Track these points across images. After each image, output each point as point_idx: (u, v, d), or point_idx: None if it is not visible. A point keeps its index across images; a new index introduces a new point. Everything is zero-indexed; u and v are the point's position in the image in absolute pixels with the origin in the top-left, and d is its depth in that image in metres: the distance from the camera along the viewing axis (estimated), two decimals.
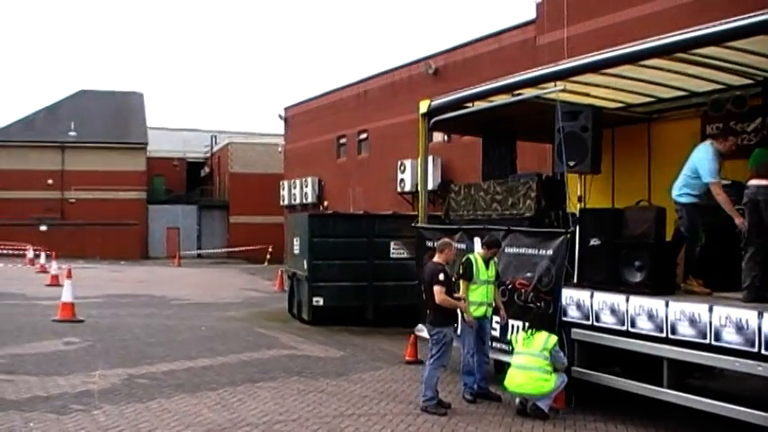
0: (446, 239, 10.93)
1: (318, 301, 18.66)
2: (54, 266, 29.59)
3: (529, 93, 11.81)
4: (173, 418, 9.17)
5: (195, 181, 66.84)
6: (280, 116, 49.50)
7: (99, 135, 57.76)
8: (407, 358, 13.74)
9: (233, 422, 9.11)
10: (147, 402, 9.88)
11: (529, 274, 10.86)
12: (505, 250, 11.30)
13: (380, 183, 34.60)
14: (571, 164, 11.04)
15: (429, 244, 13.03)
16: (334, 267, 18.74)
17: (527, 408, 9.83)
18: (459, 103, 13.27)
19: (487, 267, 10.75)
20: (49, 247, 40.54)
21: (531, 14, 25.00)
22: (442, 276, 10.12)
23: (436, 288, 10.05)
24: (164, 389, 10.71)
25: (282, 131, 50.41)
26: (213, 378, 11.67)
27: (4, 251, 43.45)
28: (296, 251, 20.30)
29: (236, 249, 54.43)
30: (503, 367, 10.83)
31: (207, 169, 67.50)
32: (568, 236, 10.36)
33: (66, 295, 17.90)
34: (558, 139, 11.08)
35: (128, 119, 60.86)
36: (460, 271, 10.83)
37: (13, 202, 54.19)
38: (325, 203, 40.83)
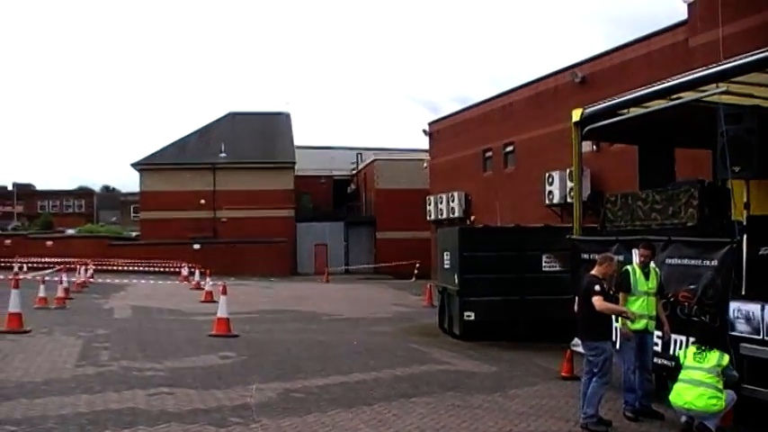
0: (608, 254, 10.59)
1: (470, 315, 18.44)
2: (208, 283, 30.43)
3: (688, 96, 11.29)
4: None
5: (342, 198, 67.63)
6: (424, 131, 49.57)
7: (248, 156, 59.41)
8: (563, 374, 13.37)
9: None
10: (303, 416, 9.89)
11: (692, 286, 10.36)
12: (666, 261, 10.83)
13: (527, 195, 34.04)
14: (736, 169, 10.40)
15: (584, 256, 12.65)
16: (485, 281, 18.47)
17: (693, 426, 9.32)
18: (613, 110, 12.84)
19: (647, 279, 10.32)
20: (202, 264, 41.67)
21: (679, 17, 24.25)
22: (598, 287, 9.77)
23: (595, 297, 9.69)
24: (319, 403, 10.72)
25: (427, 147, 50.46)
26: (367, 393, 11.62)
27: (161, 269, 45.06)
28: (446, 266, 20.15)
29: (383, 265, 54.72)
30: (665, 384, 10.36)
31: (353, 186, 68.26)
32: (734, 245, 9.80)
33: (222, 311, 18.27)
34: (720, 144, 10.48)
35: (275, 139, 62.40)
36: (618, 283, 10.45)
37: (168, 222, 56.37)
38: (472, 218, 40.49)
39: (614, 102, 12.84)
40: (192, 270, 40.36)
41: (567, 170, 28.57)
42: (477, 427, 9.66)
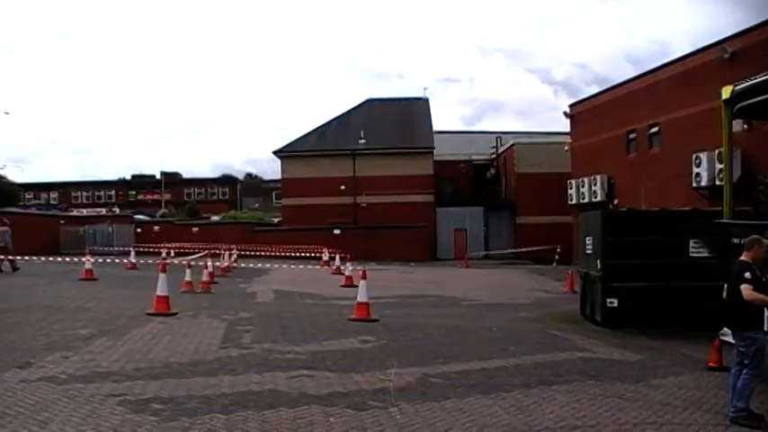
0: (755, 236, 10.00)
1: (612, 302, 17.93)
2: (348, 268, 30.76)
3: None
4: (468, 419, 9.06)
5: (481, 183, 67.04)
6: (565, 114, 48.63)
7: (387, 141, 59.73)
8: (711, 364, 12.84)
9: (529, 425, 8.86)
10: (441, 401, 9.84)
11: None
12: None
13: (673, 178, 32.88)
14: None
15: (735, 241, 12.08)
16: (629, 267, 17.87)
17: None
18: (766, 87, 12.19)
19: None
20: (342, 249, 42.11)
21: None
22: (748, 275, 9.28)
23: (743, 286, 9.22)
24: (458, 388, 10.64)
25: (568, 129, 49.51)
26: (507, 379, 11.47)
27: (302, 254, 45.82)
28: (588, 251, 19.65)
29: (523, 250, 54.07)
30: None
31: (492, 170, 67.65)
32: None
33: (362, 295, 18.42)
34: None
35: (414, 124, 62.49)
36: None
37: (309, 208, 57.34)
38: (616, 201, 39.44)
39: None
40: (333, 255, 40.90)
41: (716, 151, 27.43)
42: (620, 417, 9.37)
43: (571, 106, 48.29)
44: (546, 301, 25.71)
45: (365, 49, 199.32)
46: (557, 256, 47.51)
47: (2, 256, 31.00)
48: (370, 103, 66.15)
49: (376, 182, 57.39)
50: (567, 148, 48.77)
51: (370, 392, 10.26)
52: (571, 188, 45.62)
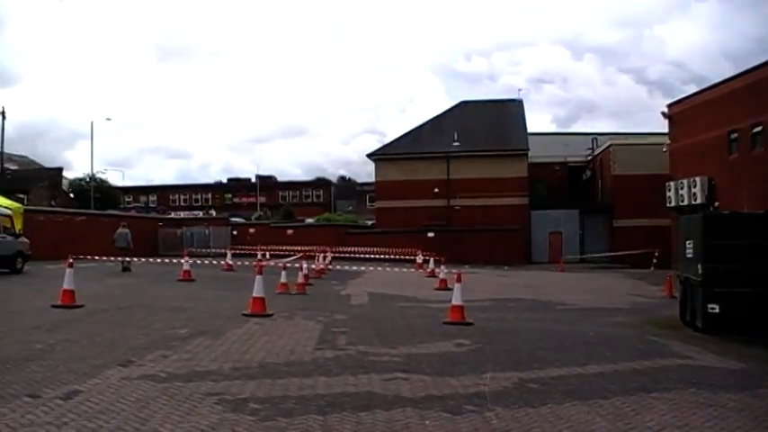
0: None
1: (714, 308, 17.39)
2: (442, 271, 30.67)
3: None
4: (565, 425, 8.90)
5: (576, 185, 66.24)
6: (663, 114, 47.60)
7: (481, 144, 59.61)
8: None
9: None
10: (538, 407, 9.69)
11: None
12: None
13: None
14: None
15: None
16: (732, 272, 17.27)
17: None
18: None
19: None
20: (436, 252, 42.09)
21: None
22: None
23: None
24: (554, 394, 10.47)
25: (665, 130, 48.43)
26: (604, 385, 11.22)
27: (396, 256, 45.91)
28: (688, 255, 19.12)
29: (619, 254, 53.06)
30: None
31: (588, 172, 66.71)
32: None
33: (456, 298, 18.32)
34: None
35: (508, 126, 62.15)
36: None
37: (402, 211, 57.60)
38: (716, 204, 38.42)
39: None
40: (427, 258, 40.89)
41: None
42: (723, 427, 9.07)
43: (669, 106, 47.27)
44: (643, 306, 25.18)
45: (457, 52, 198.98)
46: (654, 260, 46.49)
47: (127, 258, 32.37)
48: (464, 106, 66.12)
49: (470, 184, 57.27)
50: (665, 149, 47.75)
51: (465, 396, 10.16)
52: (670, 190, 44.63)
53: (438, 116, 65.50)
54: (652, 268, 45.05)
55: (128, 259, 32.82)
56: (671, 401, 10.26)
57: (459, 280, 18.74)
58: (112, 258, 31.35)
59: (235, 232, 59.37)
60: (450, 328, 17.06)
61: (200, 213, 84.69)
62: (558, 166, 66.65)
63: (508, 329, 17.57)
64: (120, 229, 34.73)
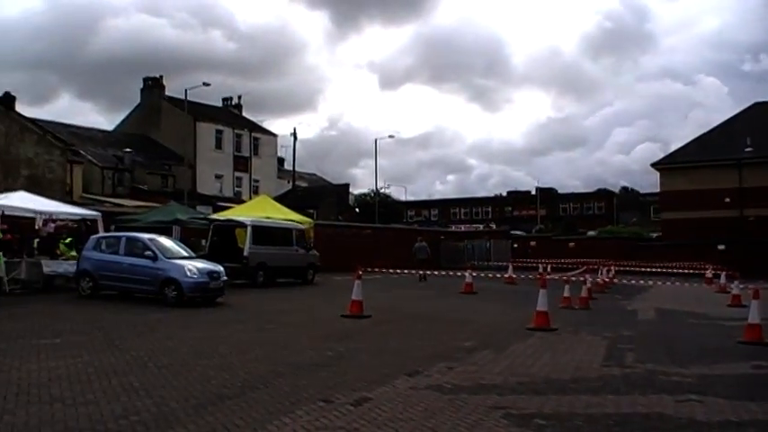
0: None
1: None
2: (735, 286, 28.95)
3: None
4: None
5: None
6: None
7: None
8: None
9: None
10: None
11: None
12: None
13: None
14: None
15: None
16: None
17: None
18: None
19: None
20: (727, 266, 39.90)
21: None
22: None
23: None
24: None
25: None
26: None
27: (684, 270, 43.95)
28: None
29: None
30: None
31: None
32: None
33: (753, 316, 16.94)
34: None
35: None
36: None
37: (690, 222, 55.02)
38: None
39: None
40: (717, 272, 38.88)
41: None
42: None
43: None
44: None
45: (741, 51, 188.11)
46: None
47: (426, 272, 35.37)
48: (758, 107, 61.80)
49: (766, 193, 53.43)
50: None
51: (766, 424, 9.43)
52: None
53: (729, 120, 62.02)
54: None
55: (428, 272, 35.19)
56: None
57: (756, 296, 17.42)
58: (397, 270, 32.41)
59: (515, 245, 59.54)
60: (746, 348, 15.93)
61: (481, 227, 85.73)
62: None
63: None
64: (419, 243, 39.21)
